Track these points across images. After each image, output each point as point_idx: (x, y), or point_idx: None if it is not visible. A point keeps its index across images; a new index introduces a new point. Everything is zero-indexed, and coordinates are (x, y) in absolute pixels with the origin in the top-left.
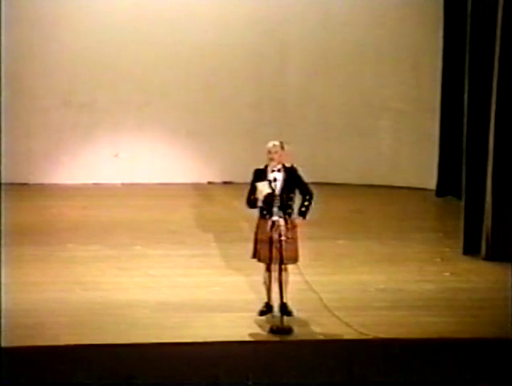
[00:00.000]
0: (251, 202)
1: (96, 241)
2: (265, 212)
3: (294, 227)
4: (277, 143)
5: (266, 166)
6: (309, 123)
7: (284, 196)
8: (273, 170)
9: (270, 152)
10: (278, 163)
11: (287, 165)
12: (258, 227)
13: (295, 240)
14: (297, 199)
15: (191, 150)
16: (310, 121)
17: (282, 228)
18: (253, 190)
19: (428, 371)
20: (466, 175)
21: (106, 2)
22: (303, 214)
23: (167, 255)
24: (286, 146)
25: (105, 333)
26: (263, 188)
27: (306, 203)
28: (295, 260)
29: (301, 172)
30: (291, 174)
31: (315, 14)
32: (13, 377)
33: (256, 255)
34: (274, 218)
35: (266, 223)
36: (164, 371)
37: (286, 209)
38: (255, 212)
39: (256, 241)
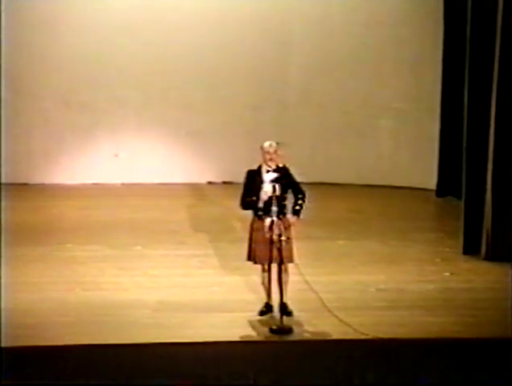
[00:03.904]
0: (247, 203)
1: (96, 241)
2: (261, 213)
3: (289, 226)
4: (274, 143)
5: (260, 167)
6: (309, 123)
7: (280, 196)
8: (268, 171)
9: (268, 152)
10: (274, 163)
11: (280, 165)
12: (252, 228)
13: (291, 239)
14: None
15: (191, 150)
16: (310, 121)
17: (281, 228)
18: (248, 191)
19: (428, 371)
20: (466, 175)
21: (106, 3)
22: (297, 213)
23: (167, 255)
24: (281, 147)
25: (105, 333)
26: (268, 189)
27: (299, 202)
28: (291, 259)
29: (293, 172)
30: (284, 174)
31: (315, 14)
32: (13, 377)
33: (251, 257)
34: (272, 218)
35: (262, 223)
36: (164, 371)
37: (282, 209)
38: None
39: (251, 243)
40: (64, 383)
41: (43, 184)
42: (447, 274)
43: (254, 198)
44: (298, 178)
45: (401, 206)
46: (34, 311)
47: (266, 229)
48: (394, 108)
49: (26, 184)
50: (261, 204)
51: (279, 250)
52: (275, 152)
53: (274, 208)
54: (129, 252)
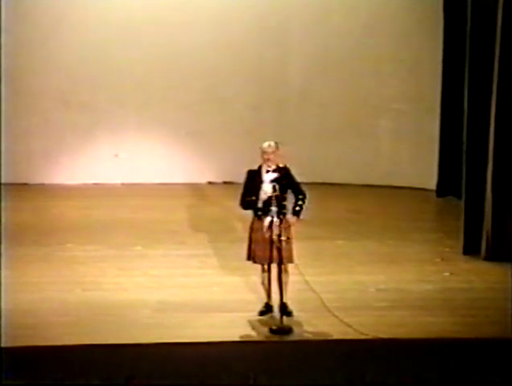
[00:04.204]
0: (247, 203)
1: (96, 241)
2: (260, 213)
3: (289, 226)
4: (272, 143)
5: (260, 167)
6: (309, 123)
7: (280, 196)
8: (267, 171)
9: (266, 152)
10: (273, 164)
11: (281, 165)
12: (252, 228)
13: (290, 240)
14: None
15: (191, 150)
16: (310, 121)
17: (281, 228)
18: (248, 190)
19: (428, 371)
20: (466, 175)
21: (106, 2)
22: (297, 213)
23: (167, 255)
24: (281, 147)
25: (105, 333)
26: (268, 189)
27: (300, 203)
28: (291, 259)
29: (293, 172)
30: (284, 175)
31: (315, 14)
32: (13, 377)
33: (251, 256)
34: (272, 218)
35: (262, 223)
36: (164, 371)
37: (281, 209)
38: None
39: (250, 242)
40: (64, 383)
41: (43, 184)
42: (447, 274)
43: (254, 197)
44: (298, 178)
45: (401, 206)
46: (34, 311)
47: (265, 229)
48: (394, 108)
49: (26, 184)
50: (260, 204)
51: (279, 250)
52: (273, 152)
53: (274, 208)
54: (129, 252)
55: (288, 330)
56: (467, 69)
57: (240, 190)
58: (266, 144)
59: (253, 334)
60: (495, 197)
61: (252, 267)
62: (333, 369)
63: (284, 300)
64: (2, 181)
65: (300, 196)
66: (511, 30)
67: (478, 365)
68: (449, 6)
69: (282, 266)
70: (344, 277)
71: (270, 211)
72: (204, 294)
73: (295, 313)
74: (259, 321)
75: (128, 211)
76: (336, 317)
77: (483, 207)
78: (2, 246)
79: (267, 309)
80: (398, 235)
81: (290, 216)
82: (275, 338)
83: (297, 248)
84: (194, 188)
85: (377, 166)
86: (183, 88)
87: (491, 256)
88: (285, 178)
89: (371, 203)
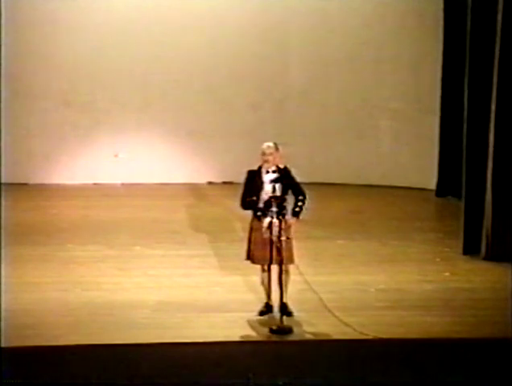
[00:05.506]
0: (248, 203)
1: (96, 241)
2: (259, 213)
3: (288, 227)
4: (271, 144)
5: (260, 167)
6: (309, 123)
7: (280, 197)
8: (267, 172)
9: (264, 153)
10: (273, 164)
11: (281, 166)
12: (251, 228)
13: (290, 240)
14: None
15: (190, 150)
16: (310, 121)
17: (282, 228)
18: (248, 191)
19: (428, 371)
20: (466, 175)
21: (106, 3)
22: (296, 214)
23: (167, 255)
24: (281, 147)
25: (105, 333)
26: (269, 189)
27: (299, 204)
28: (292, 260)
29: (294, 173)
30: (284, 175)
31: (315, 14)
32: (13, 377)
33: (250, 256)
34: (271, 218)
35: (261, 224)
36: (164, 371)
37: (281, 210)
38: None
39: (249, 242)
40: (64, 383)
41: (43, 184)
42: (447, 274)
43: (254, 198)
44: (298, 179)
45: (401, 206)
46: (34, 311)
47: (264, 229)
48: (393, 108)
49: (26, 184)
50: (261, 204)
51: (279, 251)
52: (271, 154)
53: (274, 209)
54: (129, 252)
55: (288, 330)
56: (467, 69)
57: (240, 191)
58: (265, 145)
59: (253, 334)
60: (495, 197)
61: (252, 267)
62: (333, 369)
63: (284, 300)
64: (2, 181)
65: (300, 197)
66: (511, 30)
67: (478, 365)
68: (449, 5)
69: (283, 266)
70: (345, 277)
71: (269, 211)
72: (204, 294)
73: (295, 313)
74: (259, 321)
75: (128, 211)
76: (336, 317)
77: (483, 207)
78: (2, 246)
79: (267, 309)
80: (398, 235)
81: (289, 217)
82: (275, 338)
83: (297, 248)
84: (194, 188)
85: (377, 166)
86: (183, 89)
87: (491, 256)
88: (285, 179)
89: (371, 203)
